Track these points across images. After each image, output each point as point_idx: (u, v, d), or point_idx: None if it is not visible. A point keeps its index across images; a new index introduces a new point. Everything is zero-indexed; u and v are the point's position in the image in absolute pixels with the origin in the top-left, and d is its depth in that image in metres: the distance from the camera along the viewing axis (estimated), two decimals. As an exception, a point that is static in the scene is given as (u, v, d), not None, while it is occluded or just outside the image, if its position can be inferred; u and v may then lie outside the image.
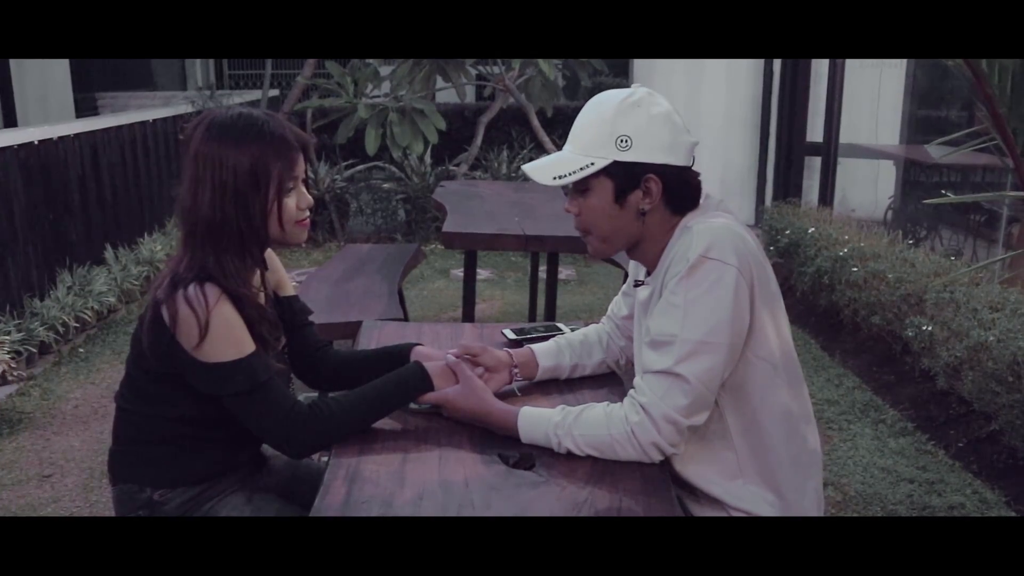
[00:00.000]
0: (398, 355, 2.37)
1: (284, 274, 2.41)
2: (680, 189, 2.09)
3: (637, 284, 2.26)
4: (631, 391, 2.02)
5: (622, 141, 2.03)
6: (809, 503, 2.13)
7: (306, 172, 2.17)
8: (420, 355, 2.34)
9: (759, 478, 2.09)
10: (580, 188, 2.10)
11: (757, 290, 2.00)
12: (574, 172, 2.06)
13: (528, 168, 2.14)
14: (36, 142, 6.00)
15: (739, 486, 2.08)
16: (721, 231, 1.99)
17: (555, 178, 2.08)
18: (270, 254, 2.33)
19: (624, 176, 2.05)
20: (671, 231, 2.09)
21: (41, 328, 5.48)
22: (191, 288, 1.98)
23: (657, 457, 1.98)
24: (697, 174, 2.13)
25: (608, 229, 2.12)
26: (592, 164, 2.05)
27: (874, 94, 8.46)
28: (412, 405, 2.22)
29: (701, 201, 2.13)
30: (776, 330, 2.08)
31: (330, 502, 1.79)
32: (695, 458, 2.09)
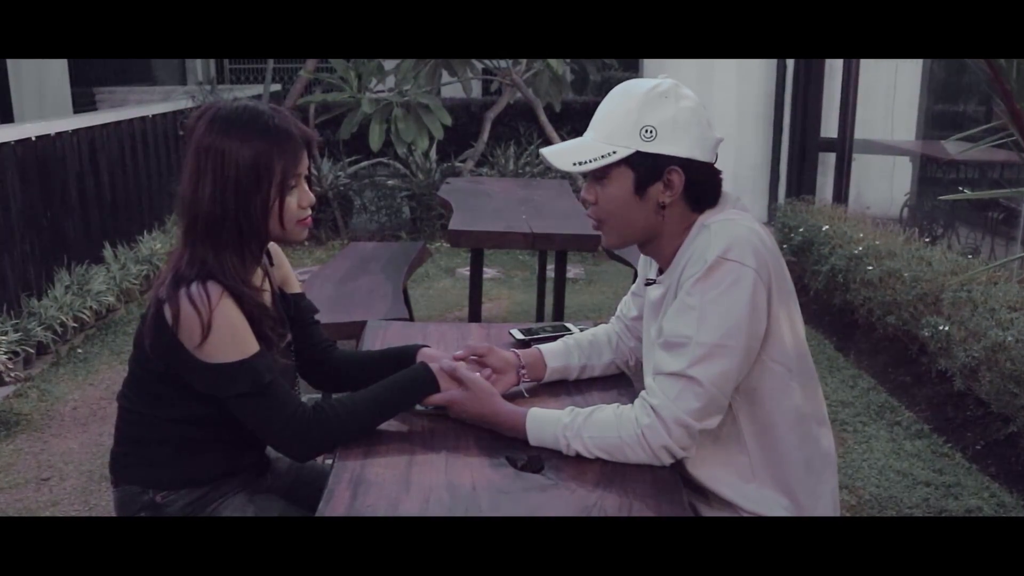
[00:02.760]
0: (404, 356, 2.35)
1: (290, 270, 2.39)
2: (702, 185, 2.06)
3: (648, 283, 2.23)
4: (642, 393, 1.99)
5: (647, 131, 2.00)
6: (824, 507, 2.11)
7: (309, 169, 2.14)
8: (426, 357, 2.31)
9: (772, 482, 2.06)
10: (599, 176, 2.08)
11: (774, 291, 1.97)
12: (595, 159, 2.03)
13: (547, 152, 2.11)
14: (33, 138, 5.98)
15: (752, 489, 2.06)
16: (740, 231, 1.96)
17: (575, 164, 2.06)
18: (276, 250, 2.33)
19: (646, 167, 2.02)
20: (688, 228, 2.07)
21: (39, 328, 5.45)
22: (194, 286, 1.96)
23: (667, 460, 1.96)
24: (719, 172, 2.09)
25: (624, 220, 2.09)
26: (614, 152, 2.02)
27: (890, 89, 8.40)
28: (418, 407, 2.18)
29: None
30: (792, 329, 2.05)
31: (334, 506, 1.77)
32: (708, 460, 2.06)
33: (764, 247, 1.97)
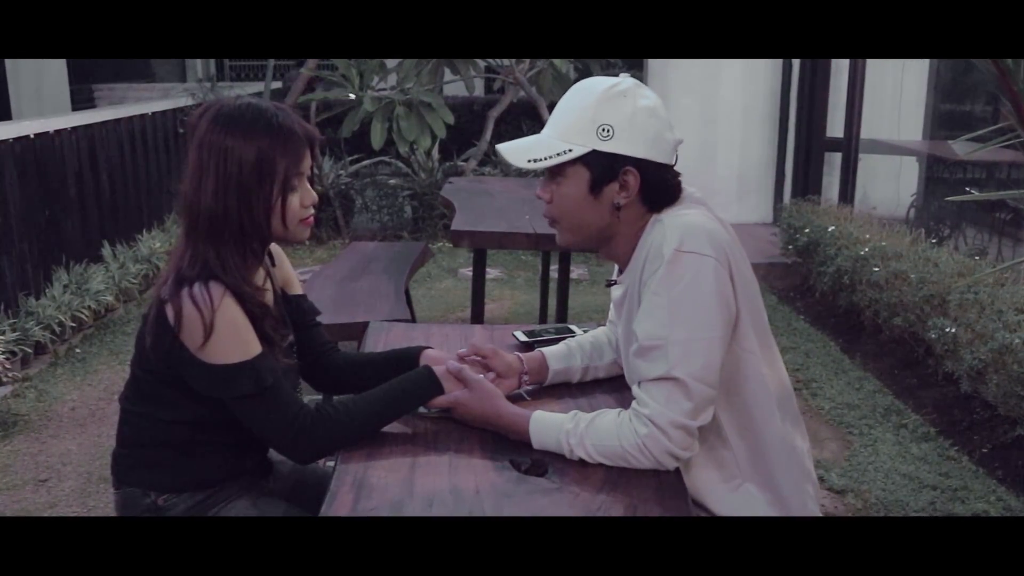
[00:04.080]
0: (407, 358, 2.33)
1: (292, 271, 2.38)
2: (659, 187, 2.05)
3: (609, 284, 2.24)
4: (634, 403, 1.97)
5: (603, 130, 1.99)
6: (810, 506, 2.13)
7: (312, 168, 2.13)
8: (429, 359, 2.29)
9: (756, 477, 2.08)
10: (554, 174, 2.07)
11: (736, 275, 1.97)
12: (550, 157, 2.03)
13: (503, 148, 2.11)
14: (32, 135, 5.97)
15: (735, 487, 2.07)
16: (692, 221, 1.97)
17: (529, 161, 2.05)
18: (278, 251, 2.32)
19: (602, 167, 2.02)
20: (643, 227, 2.05)
21: (37, 328, 5.44)
22: (196, 287, 1.96)
23: (672, 465, 1.94)
24: (678, 174, 2.09)
25: (579, 220, 2.09)
26: (570, 151, 2.01)
27: (896, 88, 8.37)
28: (421, 409, 2.17)
29: None
30: (755, 322, 2.05)
31: (337, 510, 1.77)
32: (694, 461, 2.05)
33: (719, 235, 1.97)
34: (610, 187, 2.02)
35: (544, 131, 2.08)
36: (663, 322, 1.91)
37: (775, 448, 2.06)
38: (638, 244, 2.05)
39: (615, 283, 2.19)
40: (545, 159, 2.02)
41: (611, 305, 2.42)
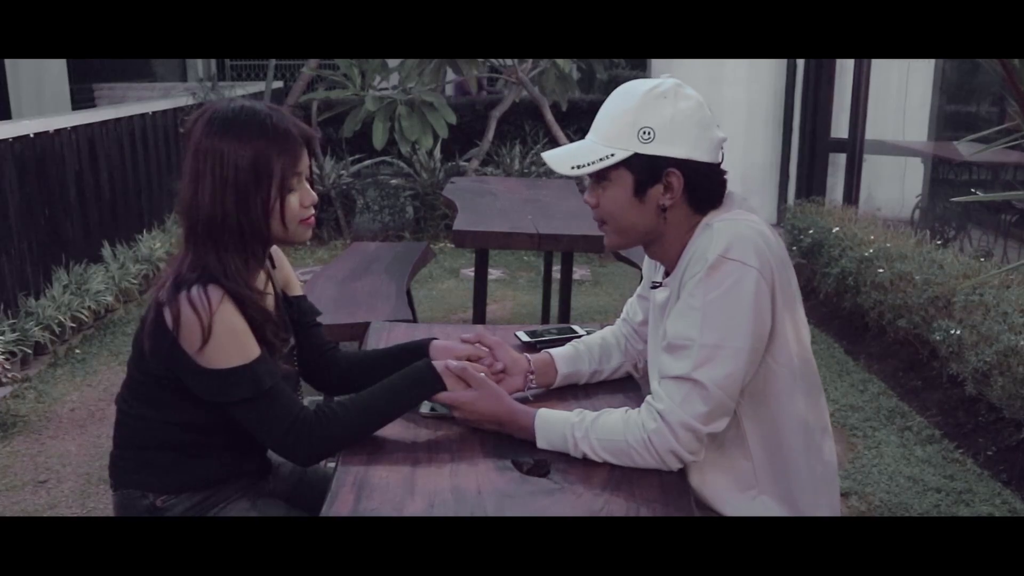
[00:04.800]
0: (415, 351, 2.31)
1: (292, 273, 2.37)
2: (704, 186, 2.04)
3: (654, 286, 2.21)
4: (648, 397, 1.97)
5: (644, 133, 1.98)
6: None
7: (311, 168, 2.13)
8: (438, 350, 2.28)
9: (774, 489, 2.06)
10: (599, 179, 2.07)
11: (779, 293, 1.96)
12: (592, 163, 2.03)
13: (548, 156, 2.11)
14: (31, 135, 5.95)
15: (751, 497, 2.05)
16: (742, 230, 1.95)
17: (573, 168, 2.05)
18: (278, 252, 2.31)
19: (645, 169, 2.01)
20: (692, 229, 2.05)
21: (36, 328, 5.43)
22: (194, 290, 1.95)
23: (675, 465, 1.94)
24: (724, 172, 2.07)
25: (625, 223, 2.08)
26: (612, 155, 2.01)
27: (901, 89, 8.40)
28: (424, 409, 2.16)
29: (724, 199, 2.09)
30: (796, 336, 2.03)
31: (338, 510, 1.77)
32: (710, 466, 2.04)
33: (767, 246, 1.96)
34: (654, 189, 2.02)
35: (588, 136, 2.08)
36: (694, 324, 1.91)
37: (799, 463, 2.04)
38: (686, 247, 2.05)
39: (660, 285, 2.18)
40: (588, 165, 2.03)
41: (630, 302, 2.44)
